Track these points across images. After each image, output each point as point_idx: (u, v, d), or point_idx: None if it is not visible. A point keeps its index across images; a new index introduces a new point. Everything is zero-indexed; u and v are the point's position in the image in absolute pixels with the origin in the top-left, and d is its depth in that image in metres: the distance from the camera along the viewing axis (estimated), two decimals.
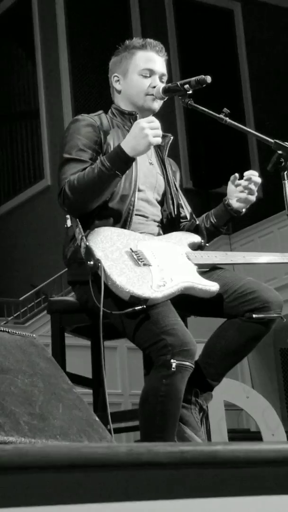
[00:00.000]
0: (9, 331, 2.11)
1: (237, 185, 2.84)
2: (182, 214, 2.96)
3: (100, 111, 2.91)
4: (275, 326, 2.68)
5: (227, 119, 2.64)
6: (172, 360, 2.42)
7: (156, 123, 2.64)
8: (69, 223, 2.73)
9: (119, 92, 2.90)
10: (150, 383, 2.50)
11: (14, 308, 9.66)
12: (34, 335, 2.17)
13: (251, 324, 2.64)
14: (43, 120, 10.77)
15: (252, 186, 2.81)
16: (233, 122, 2.67)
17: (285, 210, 2.44)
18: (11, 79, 11.39)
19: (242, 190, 2.83)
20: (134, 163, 2.70)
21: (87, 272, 2.58)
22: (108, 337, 2.71)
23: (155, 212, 2.87)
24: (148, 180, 2.86)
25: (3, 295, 9.88)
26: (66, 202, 2.67)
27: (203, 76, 2.69)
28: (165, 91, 2.80)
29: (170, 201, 2.92)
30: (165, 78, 2.87)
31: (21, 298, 9.64)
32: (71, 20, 10.67)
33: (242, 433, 7.70)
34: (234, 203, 2.85)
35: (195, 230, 2.92)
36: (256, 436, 5.74)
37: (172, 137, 2.96)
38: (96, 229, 2.67)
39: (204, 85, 2.70)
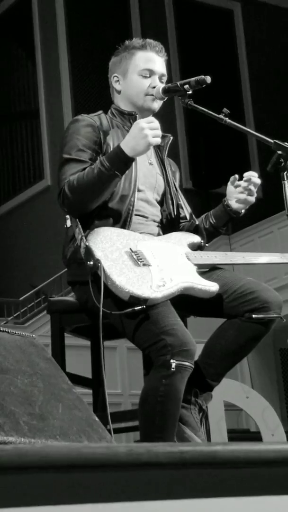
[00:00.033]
0: (9, 331, 2.11)
1: (236, 186, 2.84)
2: (182, 215, 2.96)
3: (100, 111, 2.90)
4: (274, 326, 2.68)
5: (227, 119, 2.64)
6: (171, 360, 2.42)
7: (156, 123, 2.64)
8: (68, 223, 2.73)
9: (118, 92, 2.90)
10: (150, 383, 2.49)
11: (14, 308, 9.65)
12: (34, 335, 2.17)
13: (251, 324, 2.64)
14: (43, 120, 10.76)
15: (252, 187, 2.81)
16: (233, 122, 2.66)
17: (285, 210, 2.44)
18: (11, 79, 11.38)
19: (241, 191, 2.82)
20: (133, 163, 2.70)
21: (86, 272, 2.58)
22: (107, 337, 2.71)
23: (155, 212, 2.87)
24: (147, 180, 2.85)
25: (3, 295, 9.88)
26: (66, 202, 2.67)
27: (203, 76, 2.69)
28: (165, 91, 2.80)
29: (170, 201, 2.91)
30: (164, 78, 2.87)
31: (21, 298, 9.64)
32: (71, 20, 10.66)
33: (242, 433, 7.69)
34: (234, 204, 2.85)
35: (195, 230, 2.92)
36: (255, 436, 5.74)
37: (171, 137, 2.96)
38: (95, 229, 2.67)
39: (204, 85, 2.70)
